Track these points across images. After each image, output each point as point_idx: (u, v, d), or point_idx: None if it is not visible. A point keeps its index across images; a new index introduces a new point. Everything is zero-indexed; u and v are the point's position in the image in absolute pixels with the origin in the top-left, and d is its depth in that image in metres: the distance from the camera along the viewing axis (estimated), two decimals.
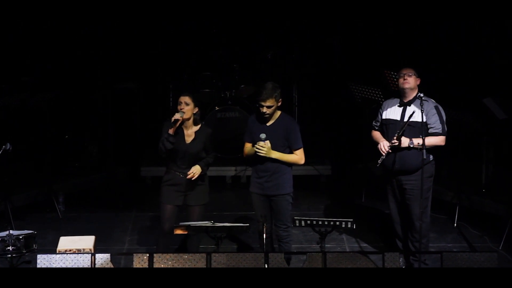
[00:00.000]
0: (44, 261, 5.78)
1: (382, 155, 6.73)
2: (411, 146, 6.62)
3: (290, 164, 6.68)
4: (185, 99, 6.60)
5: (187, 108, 6.59)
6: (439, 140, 6.71)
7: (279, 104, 6.57)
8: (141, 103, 10.84)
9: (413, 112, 6.61)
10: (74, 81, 10.35)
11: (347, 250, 7.57)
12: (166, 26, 10.50)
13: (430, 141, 6.64)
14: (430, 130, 6.68)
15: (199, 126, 6.76)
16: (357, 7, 9.76)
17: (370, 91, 8.63)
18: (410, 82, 6.73)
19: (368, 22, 10.12)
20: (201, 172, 6.69)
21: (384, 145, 6.73)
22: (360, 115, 9.14)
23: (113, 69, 10.45)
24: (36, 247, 6.70)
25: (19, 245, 6.53)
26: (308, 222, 5.92)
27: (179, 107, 6.61)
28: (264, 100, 6.47)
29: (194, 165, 6.70)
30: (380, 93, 8.52)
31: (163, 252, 5.95)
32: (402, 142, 6.64)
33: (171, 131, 6.57)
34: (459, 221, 8.19)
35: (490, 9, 8.87)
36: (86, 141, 10.35)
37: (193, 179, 6.65)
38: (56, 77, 10.12)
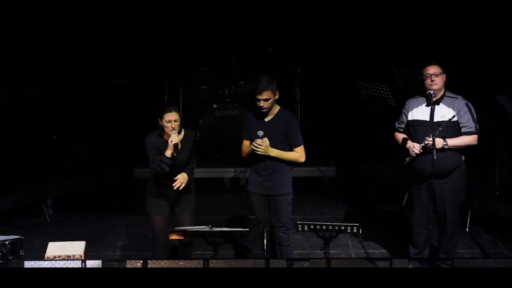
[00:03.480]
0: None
1: (413, 154, 6.66)
2: (446, 147, 6.57)
3: (290, 163, 6.69)
4: (174, 116, 6.52)
5: (177, 124, 6.55)
6: (472, 140, 6.70)
7: (277, 97, 6.59)
8: (134, 100, 10.84)
9: (454, 116, 6.57)
10: (63, 77, 10.34)
11: (353, 256, 7.57)
12: (161, 20, 10.49)
13: (464, 140, 6.64)
14: (463, 130, 6.66)
15: (183, 133, 6.73)
16: (360, 4, 9.82)
17: (377, 88, 8.62)
18: (438, 83, 6.63)
19: (371, 17, 10.16)
20: (188, 180, 6.69)
21: (414, 146, 6.66)
22: (366, 113, 9.13)
23: (104, 64, 10.45)
24: (23, 253, 6.68)
25: (5, 251, 6.51)
26: (311, 226, 5.92)
27: (169, 125, 6.51)
28: (260, 93, 6.50)
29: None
30: (388, 90, 8.52)
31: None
32: (436, 143, 6.55)
33: (168, 154, 6.53)
34: (471, 226, 8.19)
35: (490, 9, 8.98)
36: (76, 141, 10.34)
37: (180, 188, 6.65)
38: (44, 72, 10.11)
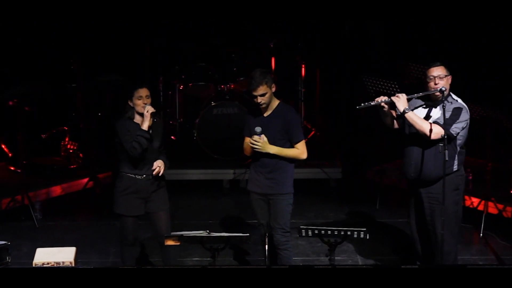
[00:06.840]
0: None
1: (374, 101, 6.65)
2: (406, 111, 6.48)
3: (291, 161, 6.69)
4: (145, 91, 6.68)
5: (148, 101, 6.67)
6: (432, 128, 6.44)
7: (273, 89, 6.60)
8: (127, 98, 10.82)
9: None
10: (52, 73, 10.35)
11: (360, 263, 7.59)
12: (157, 12, 10.50)
13: (423, 123, 6.46)
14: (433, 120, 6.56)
15: (151, 120, 6.80)
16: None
17: (385, 84, 8.63)
18: (442, 85, 6.55)
19: (378, 11, 10.21)
20: (165, 166, 6.75)
21: (381, 96, 6.66)
22: (374, 111, 9.14)
23: (95, 59, 10.46)
24: (9, 260, 6.72)
25: None
26: (316, 231, 5.93)
27: (141, 102, 6.65)
28: (255, 89, 6.52)
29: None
30: (396, 86, 8.53)
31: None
32: (399, 97, 6.55)
33: (145, 127, 6.62)
34: (485, 231, 8.20)
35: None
36: (66, 141, 10.35)
37: (160, 174, 6.69)
38: (31, 68, 10.12)
